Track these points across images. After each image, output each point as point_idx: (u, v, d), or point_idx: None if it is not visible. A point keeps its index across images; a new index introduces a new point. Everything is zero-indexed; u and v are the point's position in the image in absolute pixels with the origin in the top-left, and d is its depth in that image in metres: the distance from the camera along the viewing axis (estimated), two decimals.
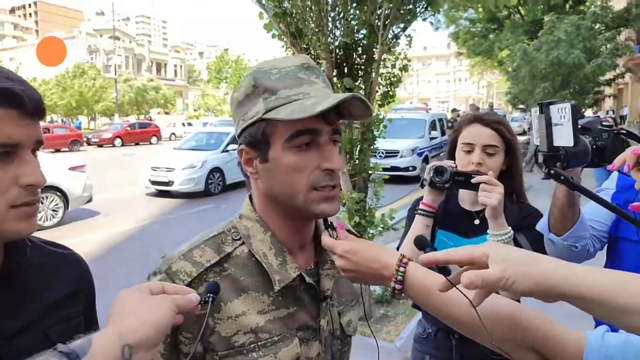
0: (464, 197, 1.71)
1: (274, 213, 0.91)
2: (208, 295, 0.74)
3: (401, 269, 0.82)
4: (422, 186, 1.60)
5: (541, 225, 1.50)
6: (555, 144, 1.01)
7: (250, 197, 0.96)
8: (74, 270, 0.98)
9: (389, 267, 0.83)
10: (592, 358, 0.70)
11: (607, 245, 1.63)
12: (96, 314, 1.04)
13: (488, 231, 1.48)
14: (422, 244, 0.86)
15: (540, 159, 1.07)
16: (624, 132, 1.06)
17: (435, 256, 0.76)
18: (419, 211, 1.60)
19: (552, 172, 1.06)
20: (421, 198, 1.65)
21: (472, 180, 1.49)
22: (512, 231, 1.47)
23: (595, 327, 1.66)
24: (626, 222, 1.50)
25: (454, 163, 1.62)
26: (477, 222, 1.64)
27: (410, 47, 4.08)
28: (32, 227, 0.81)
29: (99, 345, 0.57)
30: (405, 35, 3.97)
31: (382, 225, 4.19)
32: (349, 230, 1.03)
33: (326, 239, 0.88)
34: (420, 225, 1.58)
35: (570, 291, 0.65)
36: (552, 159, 1.04)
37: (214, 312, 0.84)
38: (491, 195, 1.44)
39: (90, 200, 8.47)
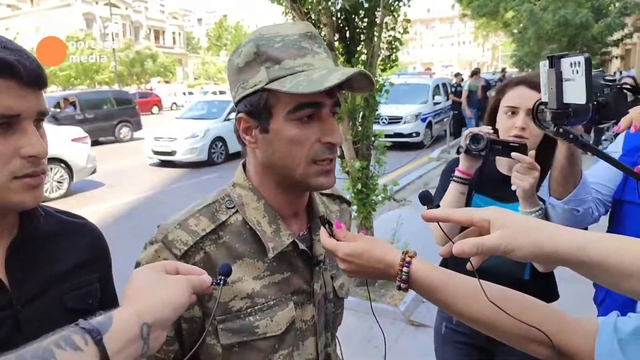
0: (502, 162, 1.67)
1: (269, 182, 0.92)
2: (220, 277, 0.74)
3: (404, 269, 0.81)
4: (458, 152, 1.57)
5: (542, 190, 1.47)
6: (566, 100, 0.94)
7: (244, 165, 0.97)
8: (88, 238, 1.00)
9: (394, 266, 0.82)
10: (604, 344, 0.69)
11: (611, 209, 1.60)
12: (113, 282, 1.05)
13: (519, 207, 1.45)
14: (425, 199, 0.84)
15: (549, 116, 1.01)
16: (628, 87, 0.99)
17: (436, 213, 0.76)
18: (454, 178, 1.57)
19: (560, 130, 1.00)
20: (456, 160, 1.63)
21: (513, 155, 1.43)
22: (543, 206, 1.45)
23: (595, 294, 1.68)
24: (632, 185, 1.47)
25: (492, 130, 1.57)
26: (513, 187, 1.57)
27: (409, 6, 3.96)
28: (37, 198, 0.81)
29: (118, 322, 0.57)
30: None
31: (382, 195, 4.19)
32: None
33: (326, 240, 0.86)
34: (455, 192, 1.56)
35: (571, 256, 0.65)
36: (561, 116, 0.97)
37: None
38: (524, 178, 1.40)
39: (94, 172, 8.50)
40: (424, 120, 12.57)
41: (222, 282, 0.75)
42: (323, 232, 0.87)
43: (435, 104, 13.50)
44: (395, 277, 0.82)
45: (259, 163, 0.91)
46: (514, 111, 1.55)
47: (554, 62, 0.95)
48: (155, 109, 28.36)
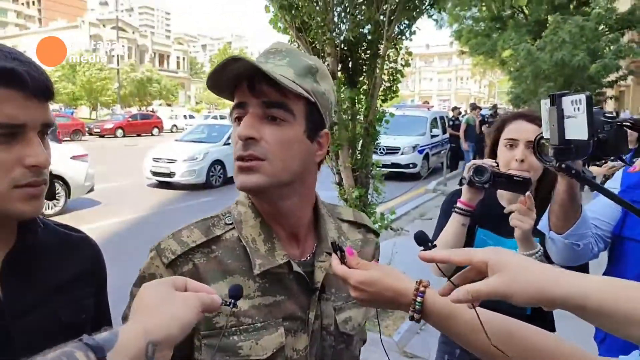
0: (503, 195, 1.67)
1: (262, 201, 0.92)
2: (230, 300, 0.73)
3: (418, 298, 0.79)
4: (461, 184, 1.57)
5: (542, 224, 1.46)
6: (568, 137, 0.97)
7: None
8: (85, 252, 0.99)
9: (407, 295, 0.80)
10: None
11: (610, 245, 1.58)
12: (107, 298, 1.04)
13: (518, 250, 1.45)
14: (421, 239, 0.81)
15: (551, 152, 1.03)
16: (628, 124, 1.01)
17: (433, 255, 0.74)
18: (455, 209, 1.56)
19: (562, 166, 1.03)
20: (457, 192, 1.63)
21: (505, 210, 1.46)
22: (541, 249, 1.45)
23: (596, 332, 1.66)
24: (632, 221, 1.46)
25: (495, 162, 1.58)
26: (539, 225, 1.54)
27: (411, 40, 4.07)
28: (37, 208, 0.81)
29: (124, 340, 0.55)
30: (411, 32, 3.98)
31: (379, 223, 4.20)
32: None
33: (337, 267, 0.83)
34: (457, 224, 1.55)
35: (573, 302, 0.63)
36: (563, 152, 1.00)
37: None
38: (525, 219, 1.41)
39: (91, 190, 8.48)
40: (421, 152, 12.70)
41: (231, 305, 0.72)
42: (334, 259, 0.84)
43: (432, 136, 13.66)
44: (408, 307, 0.80)
45: None
46: (513, 144, 1.58)
47: (555, 100, 0.99)
48: (155, 131, 28.54)
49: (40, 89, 0.77)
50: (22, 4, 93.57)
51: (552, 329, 1.66)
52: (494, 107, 17.68)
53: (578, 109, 0.94)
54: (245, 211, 0.92)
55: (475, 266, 0.70)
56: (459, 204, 1.56)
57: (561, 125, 0.98)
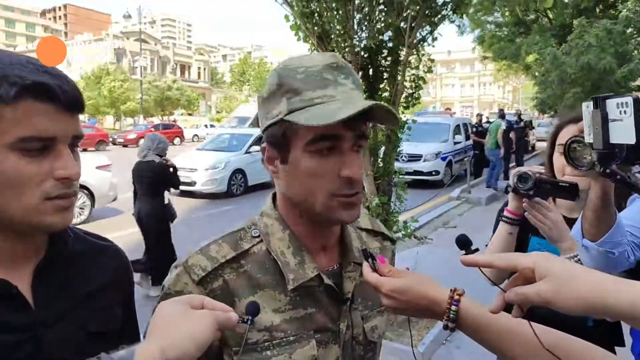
0: (562, 203, 1.63)
1: (294, 212, 0.90)
2: (247, 317, 0.73)
3: (453, 307, 0.77)
4: (507, 192, 1.55)
5: (574, 231, 1.42)
6: (612, 141, 0.93)
7: (274, 195, 0.95)
8: (113, 261, 0.99)
9: (440, 304, 0.78)
10: None
11: None
12: (134, 307, 1.04)
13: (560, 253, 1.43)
14: (463, 243, 0.80)
15: (595, 157, 0.99)
16: None
17: (476, 259, 0.72)
18: (502, 218, 1.55)
19: (607, 171, 0.99)
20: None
21: (525, 205, 1.44)
22: (578, 255, 1.42)
23: (632, 344, 1.59)
24: None
25: (543, 169, 1.57)
26: (571, 232, 1.53)
27: (434, 46, 4.03)
28: (67, 220, 0.82)
29: (140, 358, 0.56)
30: (433, 38, 3.93)
31: (402, 232, 4.13)
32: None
33: (369, 275, 0.82)
34: (504, 233, 1.53)
35: (624, 312, 0.61)
36: (607, 157, 0.96)
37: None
38: (544, 221, 1.41)
39: (115, 199, 8.63)
40: (444, 159, 12.54)
41: (249, 322, 0.72)
42: (366, 267, 0.84)
43: (455, 143, 13.49)
44: (442, 315, 0.78)
45: (281, 193, 0.91)
46: None
47: (599, 103, 0.94)
48: (177, 140, 29.00)
49: (71, 102, 0.78)
50: (50, 18, 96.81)
51: (620, 340, 1.60)
52: (519, 113, 17.43)
53: (625, 112, 0.89)
54: (272, 223, 0.91)
55: (522, 273, 0.68)
56: (505, 213, 1.54)
57: (605, 128, 0.94)
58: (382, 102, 3.95)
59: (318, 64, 0.83)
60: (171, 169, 5.15)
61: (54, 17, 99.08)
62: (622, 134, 0.91)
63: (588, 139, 1.00)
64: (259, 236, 0.90)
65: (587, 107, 0.99)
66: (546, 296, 0.63)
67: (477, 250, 0.76)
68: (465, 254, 0.75)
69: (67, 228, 0.90)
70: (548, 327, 0.74)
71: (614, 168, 0.99)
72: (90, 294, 0.90)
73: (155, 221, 4.98)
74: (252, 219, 0.94)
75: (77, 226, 0.98)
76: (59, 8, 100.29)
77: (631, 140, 0.89)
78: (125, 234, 7.36)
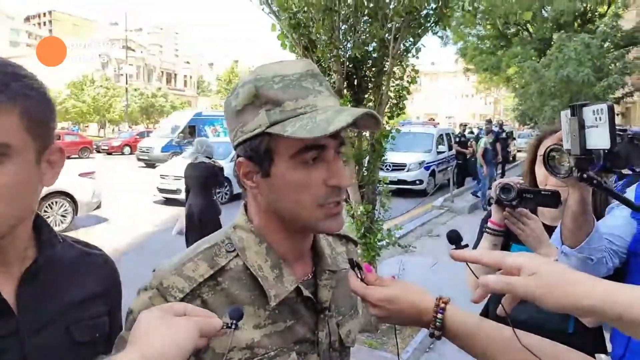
0: (544, 212, 1.65)
1: (273, 225, 0.87)
2: (231, 321, 0.71)
3: (439, 315, 0.77)
4: (490, 204, 1.56)
5: (554, 238, 1.45)
6: (589, 146, 0.98)
7: (245, 206, 0.92)
8: (102, 270, 0.98)
9: (427, 312, 0.78)
10: None
11: (625, 261, 1.54)
12: (121, 317, 1.00)
13: None
14: (454, 239, 0.80)
15: (572, 162, 1.03)
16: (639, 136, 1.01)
17: (465, 254, 0.74)
18: (486, 230, 1.55)
19: (584, 176, 1.02)
20: (490, 213, 1.62)
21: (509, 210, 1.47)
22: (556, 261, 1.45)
23: (613, 349, 1.62)
24: None
25: (522, 179, 1.59)
26: (550, 239, 1.55)
27: (417, 57, 4.11)
28: None
29: None
30: (416, 49, 4.01)
31: (386, 240, 4.18)
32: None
33: (356, 285, 0.81)
34: (488, 245, 1.54)
35: (609, 312, 0.62)
36: (584, 162, 1.00)
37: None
38: (523, 228, 1.44)
39: (99, 207, 8.52)
40: (427, 168, 12.68)
41: (233, 326, 0.70)
42: (352, 276, 0.82)
43: (439, 152, 13.65)
44: (429, 323, 0.78)
45: (261, 207, 0.87)
46: None
47: (576, 111, 0.99)
48: None
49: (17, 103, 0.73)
50: (34, 24, 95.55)
51: (602, 347, 1.62)
52: (501, 124, 17.71)
53: (600, 118, 0.94)
54: (246, 236, 0.87)
55: (507, 270, 0.69)
56: (489, 224, 1.55)
57: (582, 135, 0.98)
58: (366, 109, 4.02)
59: (294, 72, 0.80)
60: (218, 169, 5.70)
61: (39, 23, 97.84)
62: (597, 139, 0.95)
63: (566, 145, 1.04)
64: (234, 250, 0.86)
65: (565, 115, 1.04)
66: (533, 291, 0.63)
67: (466, 246, 0.78)
68: (455, 249, 0.77)
69: (57, 234, 0.89)
70: (528, 332, 0.76)
71: (591, 173, 1.02)
72: (77, 302, 0.89)
73: (212, 214, 5.34)
74: (226, 233, 0.90)
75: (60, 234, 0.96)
76: (44, 14, 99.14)
77: (606, 145, 0.93)
78: (108, 242, 7.26)
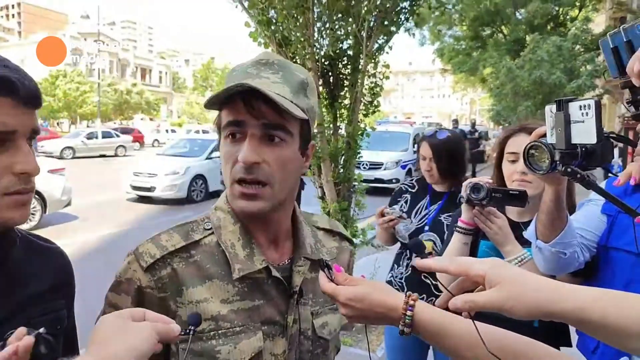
0: (510, 208, 1.68)
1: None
2: (189, 327, 0.74)
3: (408, 312, 0.78)
4: (460, 203, 1.60)
5: (529, 233, 1.48)
6: (574, 141, 1.00)
7: None
8: (57, 263, 0.98)
9: (396, 310, 0.79)
10: None
11: (595, 256, 1.58)
12: (73, 310, 1.02)
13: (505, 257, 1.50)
14: (416, 248, 0.83)
15: (557, 156, 1.06)
16: (614, 135, 1.03)
17: (429, 264, 0.74)
18: (457, 229, 1.58)
19: (568, 170, 1.04)
20: (460, 212, 1.64)
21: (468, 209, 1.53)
22: (526, 253, 1.49)
23: (585, 342, 1.66)
24: (618, 232, 1.47)
25: (491, 179, 1.63)
26: (525, 233, 1.57)
27: (388, 53, 4.12)
28: (24, 216, 0.81)
29: None
30: (389, 47, 4.03)
31: (361, 239, 4.19)
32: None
33: (325, 285, 0.83)
34: (459, 243, 1.57)
35: (571, 316, 0.64)
36: (568, 156, 1.02)
37: (177, 295, 0.85)
38: (490, 226, 1.49)
39: (69, 204, 8.31)
40: (404, 167, 12.80)
41: (191, 332, 0.73)
42: (322, 276, 0.84)
43: (415, 152, 13.77)
44: (399, 321, 0.79)
45: None
46: (515, 158, 1.62)
47: (562, 106, 1.01)
48: (136, 145, 28.22)
49: (30, 96, 0.77)
50: (1, 16, 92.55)
51: (566, 340, 1.65)
52: (473, 123, 17.99)
53: (586, 113, 0.96)
54: (224, 217, 0.93)
55: (473, 279, 0.70)
56: (460, 223, 1.59)
57: (568, 129, 1.00)
58: (342, 111, 4.01)
59: (250, 60, 0.88)
60: None
61: (7, 15, 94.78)
62: (583, 134, 0.97)
63: (550, 139, 1.06)
64: (210, 229, 0.92)
65: (550, 110, 1.06)
66: (498, 304, 0.65)
67: (430, 254, 0.79)
68: (418, 258, 0.77)
69: (15, 228, 0.88)
70: (494, 327, 0.77)
71: (575, 168, 1.04)
72: (36, 296, 0.88)
73: None
74: (206, 213, 0.96)
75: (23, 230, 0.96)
76: (12, 6, 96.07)
77: (592, 140, 0.95)
78: (79, 240, 7.11)
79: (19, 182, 0.78)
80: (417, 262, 0.76)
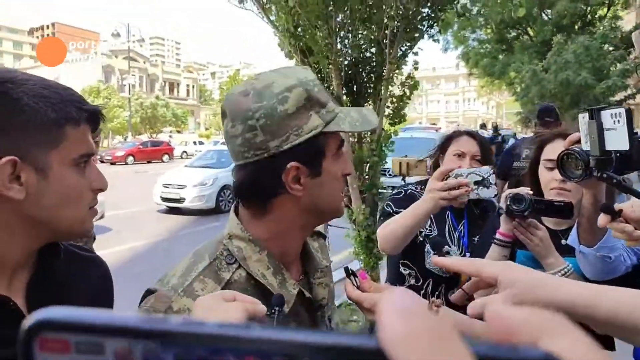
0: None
1: (293, 228, 0.89)
2: (274, 308, 0.75)
3: None
4: (499, 215, 1.52)
5: (571, 239, 1.45)
6: (608, 147, 1.04)
7: (236, 212, 0.93)
8: (99, 272, 1.03)
9: None
10: None
11: None
12: None
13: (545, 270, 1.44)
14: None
15: (592, 163, 1.09)
16: None
17: (445, 261, 0.76)
18: (495, 241, 1.52)
19: (604, 175, 1.07)
20: (493, 220, 1.60)
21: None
22: (569, 265, 1.44)
23: (634, 348, 1.60)
24: None
25: (531, 190, 1.55)
26: (564, 242, 1.51)
27: (416, 68, 4.13)
28: (93, 226, 0.91)
29: None
30: (413, 53, 4.03)
31: None
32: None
33: (352, 293, 0.83)
34: (497, 256, 1.50)
35: (579, 311, 0.63)
36: (603, 162, 1.06)
37: None
38: (531, 238, 1.43)
39: (102, 217, 8.54)
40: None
41: (276, 313, 0.74)
42: (348, 284, 0.85)
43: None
44: None
45: (298, 209, 0.87)
46: (553, 165, 1.54)
47: (594, 115, 1.05)
48: (166, 157, 28.90)
49: (98, 123, 0.88)
50: (37, 37, 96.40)
51: (610, 344, 1.59)
52: (495, 127, 17.59)
53: (618, 121, 1.01)
54: (245, 246, 0.88)
55: (485, 281, 0.70)
56: (498, 236, 1.52)
57: (601, 137, 1.04)
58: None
59: (313, 77, 0.87)
60: None
61: (42, 36, 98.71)
62: (616, 141, 1.02)
63: (585, 147, 1.10)
64: (234, 262, 0.86)
65: (582, 118, 1.10)
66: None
67: (447, 253, 0.81)
68: (438, 256, 0.79)
69: (58, 242, 0.91)
70: None
71: (610, 173, 1.07)
72: (81, 305, 0.91)
73: None
74: (221, 243, 0.90)
75: None
76: (47, 26, 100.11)
77: (625, 146, 1.00)
78: (112, 251, 7.29)
79: (95, 197, 0.88)
80: (434, 258, 0.78)
